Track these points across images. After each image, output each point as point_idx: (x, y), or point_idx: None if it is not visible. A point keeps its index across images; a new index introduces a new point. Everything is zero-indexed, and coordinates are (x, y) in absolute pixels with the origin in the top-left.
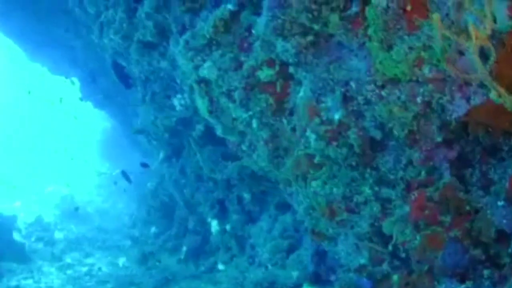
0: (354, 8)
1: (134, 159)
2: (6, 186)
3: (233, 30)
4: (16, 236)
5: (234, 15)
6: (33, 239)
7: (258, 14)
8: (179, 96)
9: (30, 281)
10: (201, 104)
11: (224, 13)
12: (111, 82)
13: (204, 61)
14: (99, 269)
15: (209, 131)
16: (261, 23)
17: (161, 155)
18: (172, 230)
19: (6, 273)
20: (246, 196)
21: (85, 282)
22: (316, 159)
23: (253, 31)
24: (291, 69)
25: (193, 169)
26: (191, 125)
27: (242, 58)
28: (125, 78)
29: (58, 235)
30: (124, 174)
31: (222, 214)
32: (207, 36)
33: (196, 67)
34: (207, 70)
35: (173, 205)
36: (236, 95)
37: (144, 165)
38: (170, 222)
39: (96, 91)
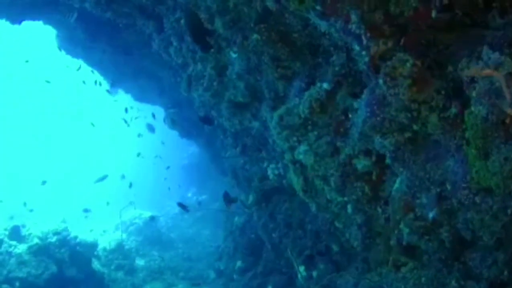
0: (453, 110)
1: (221, 185)
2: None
3: (329, 111)
4: (96, 265)
5: (330, 94)
6: (113, 267)
7: (354, 94)
8: (272, 166)
9: None
10: (296, 182)
11: (320, 93)
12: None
13: (299, 142)
14: None
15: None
16: (359, 117)
17: (251, 198)
18: (258, 268)
19: None
20: (335, 247)
21: None
22: (408, 250)
23: (349, 115)
24: (387, 160)
25: (282, 216)
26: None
27: (338, 144)
28: (209, 121)
29: (140, 262)
30: (181, 205)
31: (310, 260)
32: (303, 116)
33: (292, 148)
34: (303, 155)
35: (260, 244)
36: (332, 181)
37: (228, 199)
38: (256, 259)
39: (182, 121)
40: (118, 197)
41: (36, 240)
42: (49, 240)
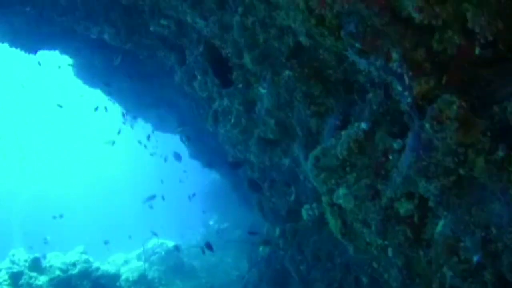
0: (500, 153)
1: (243, 214)
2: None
3: (368, 152)
4: None
5: (368, 134)
6: None
7: (393, 134)
8: (307, 206)
9: None
10: (333, 225)
11: (358, 133)
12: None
13: (338, 184)
14: None
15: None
16: (404, 162)
17: (277, 231)
18: None
19: None
20: (365, 279)
21: None
22: None
23: (390, 157)
24: (430, 203)
25: (311, 248)
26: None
27: (379, 186)
28: (236, 164)
29: None
30: (208, 245)
31: None
32: (341, 157)
33: (330, 191)
34: (343, 199)
35: (286, 275)
36: (373, 225)
37: (253, 233)
38: None
39: (204, 150)
40: (139, 226)
41: (57, 272)
42: (71, 272)
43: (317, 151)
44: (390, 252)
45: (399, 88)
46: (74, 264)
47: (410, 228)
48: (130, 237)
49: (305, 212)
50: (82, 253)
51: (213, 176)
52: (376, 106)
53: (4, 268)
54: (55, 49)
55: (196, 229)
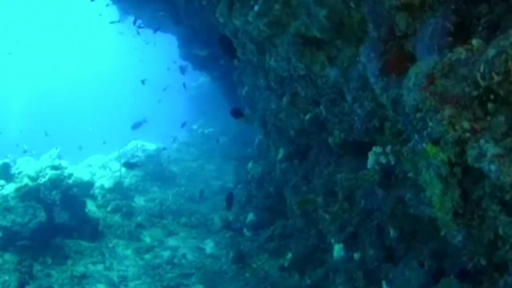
0: None
1: (231, 120)
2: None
3: None
4: (91, 206)
5: None
6: (109, 208)
7: None
8: (378, 150)
9: (100, 267)
10: (440, 194)
11: None
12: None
13: (474, 131)
14: (183, 256)
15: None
16: None
17: (281, 153)
18: (277, 229)
19: (72, 254)
20: (392, 232)
21: (165, 273)
22: None
23: None
24: None
25: (322, 181)
26: (327, 129)
27: None
28: (232, 51)
29: (139, 200)
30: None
31: (352, 240)
32: (483, 84)
33: (460, 142)
34: (498, 165)
35: (279, 199)
36: None
37: (236, 113)
38: (272, 216)
39: (197, 50)
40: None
41: (26, 181)
42: (41, 180)
43: (430, 64)
44: None
45: None
46: (44, 171)
47: None
48: (104, 142)
49: (373, 159)
50: (56, 157)
51: (202, 79)
52: None
53: None
54: None
55: (181, 133)
